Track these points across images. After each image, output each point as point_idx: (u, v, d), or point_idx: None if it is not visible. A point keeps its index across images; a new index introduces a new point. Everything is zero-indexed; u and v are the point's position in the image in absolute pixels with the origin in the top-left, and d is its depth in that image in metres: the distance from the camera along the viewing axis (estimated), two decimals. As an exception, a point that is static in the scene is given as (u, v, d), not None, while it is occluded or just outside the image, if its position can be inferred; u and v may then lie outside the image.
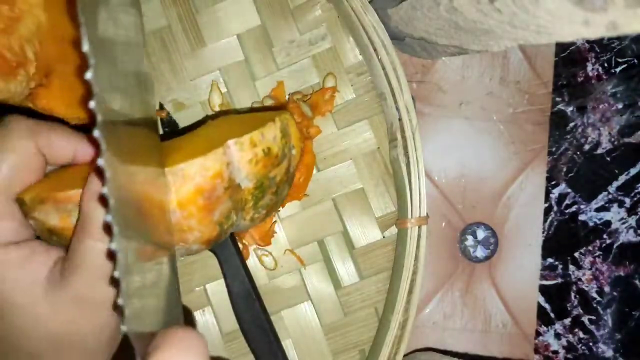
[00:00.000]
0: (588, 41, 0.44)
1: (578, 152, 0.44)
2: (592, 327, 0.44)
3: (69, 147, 0.26)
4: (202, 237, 0.27)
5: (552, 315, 0.44)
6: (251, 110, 0.39)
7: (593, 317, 0.44)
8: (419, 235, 0.35)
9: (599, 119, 0.44)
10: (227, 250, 0.36)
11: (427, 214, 0.36)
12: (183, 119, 0.39)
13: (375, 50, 0.36)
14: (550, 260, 0.44)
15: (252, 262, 0.39)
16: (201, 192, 0.26)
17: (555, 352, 0.44)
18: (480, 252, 0.43)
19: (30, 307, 0.24)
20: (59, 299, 0.24)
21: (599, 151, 0.44)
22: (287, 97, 0.39)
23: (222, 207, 0.27)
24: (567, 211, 0.44)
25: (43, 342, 0.25)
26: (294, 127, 0.31)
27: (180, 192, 0.25)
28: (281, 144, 0.29)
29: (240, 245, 0.38)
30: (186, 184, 0.25)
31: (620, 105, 0.44)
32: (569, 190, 0.44)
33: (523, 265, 0.43)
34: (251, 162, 0.28)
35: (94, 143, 0.22)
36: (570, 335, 0.44)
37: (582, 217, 0.44)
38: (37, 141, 0.25)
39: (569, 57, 0.44)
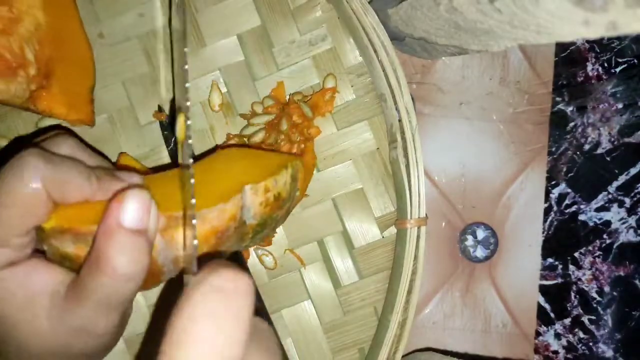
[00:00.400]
0: (588, 41, 0.44)
1: (578, 152, 0.44)
2: (592, 327, 0.44)
3: (82, 193, 0.25)
4: None
5: (552, 315, 0.44)
6: (259, 147, 0.39)
7: (593, 317, 0.44)
8: (418, 236, 0.36)
9: (599, 119, 0.44)
10: (227, 250, 0.36)
11: (426, 214, 0.36)
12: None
13: (375, 51, 0.36)
14: (550, 260, 0.44)
15: (252, 262, 0.39)
16: (215, 233, 0.27)
17: (555, 352, 0.44)
18: (480, 252, 0.43)
19: (30, 321, 0.24)
20: (60, 321, 0.24)
21: (599, 151, 0.44)
22: (287, 97, 0.39)
23: (228, 242, 0.28)
24: (567, 211, 0.44)
25: (38, 353, 0.25)
26: (302, 173, 0.33)
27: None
28: (289, 189, 0.31)
29: (240, 245, 0.38)
30: (203, 225, 0.26)
31: (620, 105, 0.44)
32: (569, 190, 0.44)
33: (523, 265, 0.43)
34: (261, 205, 0.29)
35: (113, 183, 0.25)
36: (570, 335, 0.44)
37: (582, 217, 0.44)
38: (47, 187, 0.24)
39: (569, 57, 0.44)
